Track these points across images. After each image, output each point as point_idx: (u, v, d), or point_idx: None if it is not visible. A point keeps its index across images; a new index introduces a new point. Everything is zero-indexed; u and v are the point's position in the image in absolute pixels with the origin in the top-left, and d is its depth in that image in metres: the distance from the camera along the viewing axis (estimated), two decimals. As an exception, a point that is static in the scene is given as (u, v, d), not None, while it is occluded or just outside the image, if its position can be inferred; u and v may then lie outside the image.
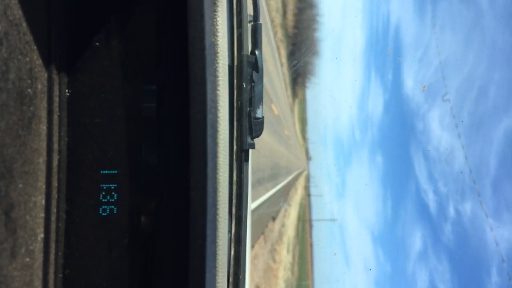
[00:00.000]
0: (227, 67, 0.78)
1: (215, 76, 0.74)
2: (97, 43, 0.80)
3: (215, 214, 0.74)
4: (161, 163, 0.82)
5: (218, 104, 0.75)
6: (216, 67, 0.74)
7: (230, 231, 1.34)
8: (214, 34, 0.73)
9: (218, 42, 0.74)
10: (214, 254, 0.75)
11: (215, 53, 0.73)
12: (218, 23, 0.74)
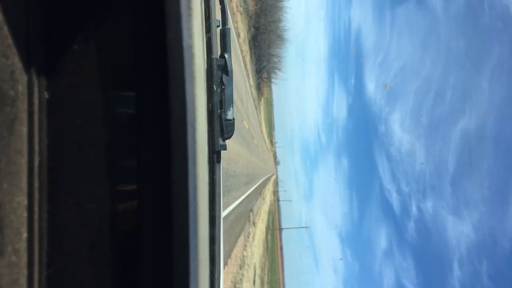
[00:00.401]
0: (203, 68, 0.82)
1: (193, 77, 0.77)
2: (75, 46, 0.82)
3: (196, 207, 0.78)
4: (141, 162, 0.84)
5: (196, 103, 0.78)
6: (194, 68, 0.78)
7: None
8: (191, 36, 0.77)
9: (195, 44, 0.78)
10: (196, 246, 0.78)
11: (192, 55, 0.77)
12: (194, 26, 0.78)
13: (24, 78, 0.76)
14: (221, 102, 1.48)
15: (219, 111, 1.48)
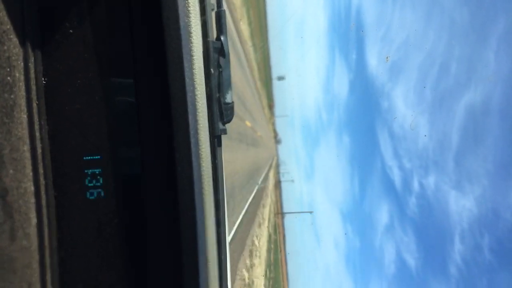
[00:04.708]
0: (201, 47, 0.81)
1: (190, 56, 0.77)
2: (70, 30, 0.81)
3: (201, 187, 0.78)
4: (142, 144, 0.84)
5: (195, 83, 0.78)
6: (191, 47, 0.77)
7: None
8: (187, 15, 0.76)
9: (191, 23, 0.77)
10: (203, 224, 0.78)
11: (189, 33, 0.76)
12: (190, 5, 0.77)
13: (20, 64, 0.76)
14: (219, 85, 1.47)
15: (217, 94, 1.47)
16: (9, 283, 0.69)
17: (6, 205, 0.69)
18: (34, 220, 0.76)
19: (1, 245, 0.68)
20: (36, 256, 0.76)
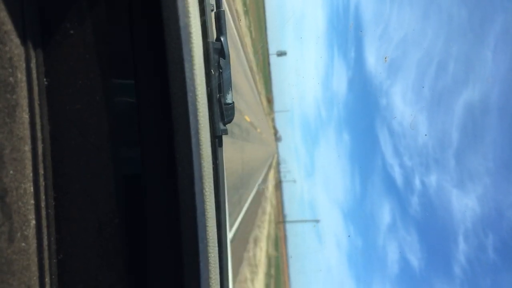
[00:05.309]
0: (201, 48, 0.81)
1: (191, 56, 0.77)
2: (71, 31, 0.81)
3: (201, 187, 0.78)
4: (142, 144, 0.84)
5: (195, 83, 0.78)
6: (191, 47, 0.77)
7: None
8: (187, 15, 0.76)
9: (191, 23, 0.77)
10: (204, 225, 0.78)
11: (189, 33, 0.76)
12: (189, 5, 0.77)
13: (22, 64, 0.76)
14: (219, 86, 1.48)
15: (218, 95, 1.47)
16: (7, 286, 0.69)
17: (5, 206, 0.69)
18: (33, 222, 0.76)
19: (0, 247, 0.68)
20: (34, 258, 0.76)
